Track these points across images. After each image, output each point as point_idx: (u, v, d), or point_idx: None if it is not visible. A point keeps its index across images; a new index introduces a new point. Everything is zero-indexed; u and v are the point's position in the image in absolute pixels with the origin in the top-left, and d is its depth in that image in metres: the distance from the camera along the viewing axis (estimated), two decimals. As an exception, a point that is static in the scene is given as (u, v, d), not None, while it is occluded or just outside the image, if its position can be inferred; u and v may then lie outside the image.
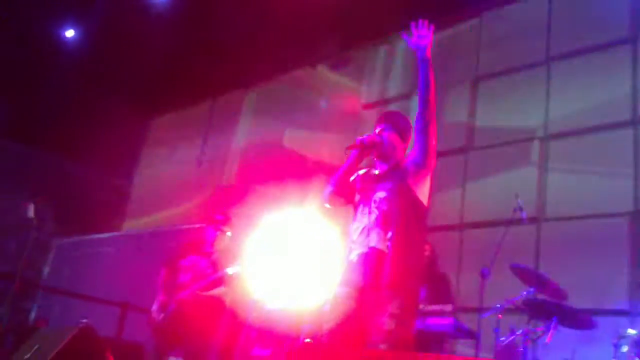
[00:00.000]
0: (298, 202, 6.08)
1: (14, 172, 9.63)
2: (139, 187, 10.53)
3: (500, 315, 4.38)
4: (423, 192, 3.22)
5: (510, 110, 6.29)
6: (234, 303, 5.21)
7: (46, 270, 10.54)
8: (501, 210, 5.23)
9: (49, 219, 10.04)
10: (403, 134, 3.38)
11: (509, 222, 4.79)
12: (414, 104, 5.12)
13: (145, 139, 10.55)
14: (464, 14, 7.00)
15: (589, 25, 5.90)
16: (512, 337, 4.30)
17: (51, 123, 9.26)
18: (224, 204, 6.60)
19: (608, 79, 5.62)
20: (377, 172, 3.39)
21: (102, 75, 8.95)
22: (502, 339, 4.32)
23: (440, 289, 4.76)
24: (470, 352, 4.73)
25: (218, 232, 5.10)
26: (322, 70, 8.18)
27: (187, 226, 7.15)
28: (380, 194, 3.21)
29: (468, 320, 4.68)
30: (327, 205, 3.38)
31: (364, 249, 3.13)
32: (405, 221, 3.10)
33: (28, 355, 3.94)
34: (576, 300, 4.30)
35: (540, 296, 4.27)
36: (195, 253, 5.09)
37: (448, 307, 4.43)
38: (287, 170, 7.15)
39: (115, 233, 9.99)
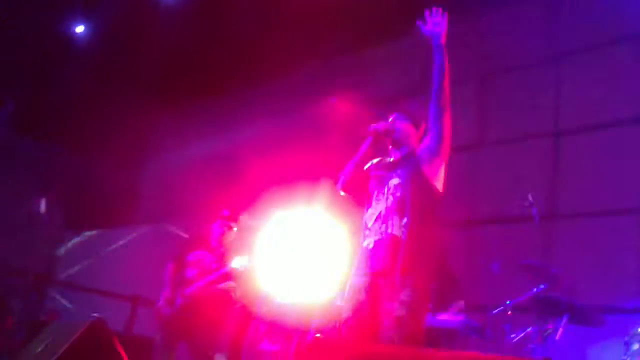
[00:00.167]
0: (308, 198, 6.09)
1: (25, 167, 9.69)
2: (150, 182, 10.57)
3: (510, 312, 4.37)
4: (438, 180, 3.23)
5: (521, 106, 6.25)
6: (243, 297, 5.23)
7: (57, 264, 10.63)
8: (511, 206, 5.21)
9: (60, 214, 10.12)
10: (417, 122, 3.40)
11: (520, 219, 4.76)
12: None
13: (157, 133, 10.57)
14: (473, 10, 6.95)
15: (601, 19, 5.85)
16: (522, 335, 4.29)
17: (62, 118, 9.30)
18: (233, 200, 6.62)
19: (619, 75, 5.58)
20: (391, 159, 3.40)
21: (112, 70, 8.97)
22: (512, 336, 4.31)
23: (449, 285, 4.75)
24: (480, 349, 4.72)
25: (225, 228, 5.11)
26: (330, 67, 8.16)
27: (196, 221, 7.18)
28: (395, 181, 3.22)
29: (478, 318, 4.67)
30: (342, 193, 3.41)
31: (379, 236, 3.14)
32: (420, 208, 3.10)
33: (40, 349, 3.96)
34: (587, 298, 4.28)
35: (551, 293, 4.25)
36: (202, 248, 5.10)
37: (460, 304, 4.43)
38: (297, 166, 7.15)
39: (127, 227, 10.05)
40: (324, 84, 8.01)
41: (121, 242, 9.99)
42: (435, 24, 3.24)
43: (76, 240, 10.77)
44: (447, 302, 4.53)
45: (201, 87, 9.23)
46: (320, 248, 5.59)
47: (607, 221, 5.21)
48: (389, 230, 3.10)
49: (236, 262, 4.90)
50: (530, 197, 4.77)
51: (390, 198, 3.17)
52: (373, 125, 3.38)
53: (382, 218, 3.16)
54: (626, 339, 3.78)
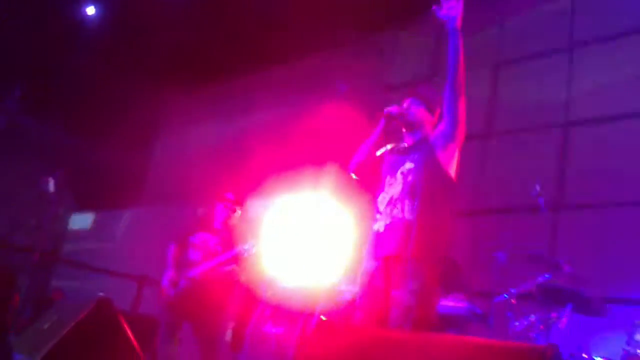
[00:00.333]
0: (313, 182, 6.10)
1: (34, 148, 9.75)
2: (157, 163, 10.61)
3: (514, 301, 4.38)
4: (451, 165, 3.21)
5: (531, 95, 6.22)
6: (248, 281, 5.25)
7: (65, 243, 10.71)
8: (519, 196, 5.20)
9: (68, 193, 10.19)
10: (431, 107, 3.39)
11: (527, 209, 4.76)
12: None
13: (165, 116, 10.60)
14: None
15: (613, 10, 5.80)
16: (526, 323, 4.30)
17: (71, 99, 9.33)
18: (240, 183, 6.63)
19: (633, 67, 5.53)
20: (405, 144, 3.39)
21: (121, 52, 8.97)
22: (516, 323, 4.32)
23: (452, 273, 4.75)
24: (483, 336, 4.73)
25: (228, 211, 5.11)
26: (343, 53, 8.12)
27: (203, 203, 7.21)
28: (408, 165, 3.21)
29: (482, 305, 4.68)
30: (353, 176, 3.41)
31: (390, 220, 3.13)
32: (432, 192, 3.09)
33: (46, 326, 4.01)
34: (591, 288, 4.28)
35: (555, 282, 4.26)
36: (204, 230, 5.10)
37: (461, 296, 4.43)
38: (304, 152, 7.15)
39: (133, 208, 10.11)
40: (333, 68, 7.99)
41: (128, 222, 10.05)
42: (451, 7, 3.22)
43: (84, 219, 10.86)
44: (448, 290, 4.53)
45: (210, 71, 9.23)
46: (325, 232, 5.60)
47: (614, 213, 5.19)
48: (400, 215, 3.09)
49: (245, 247, 4.91)
50: (537, 187, 4.76)
51: (403, 182, 3.16)
52: (387, 108, 3.37)
53: (393, 202, 3.14)
54: (629, 329, 3.79)
